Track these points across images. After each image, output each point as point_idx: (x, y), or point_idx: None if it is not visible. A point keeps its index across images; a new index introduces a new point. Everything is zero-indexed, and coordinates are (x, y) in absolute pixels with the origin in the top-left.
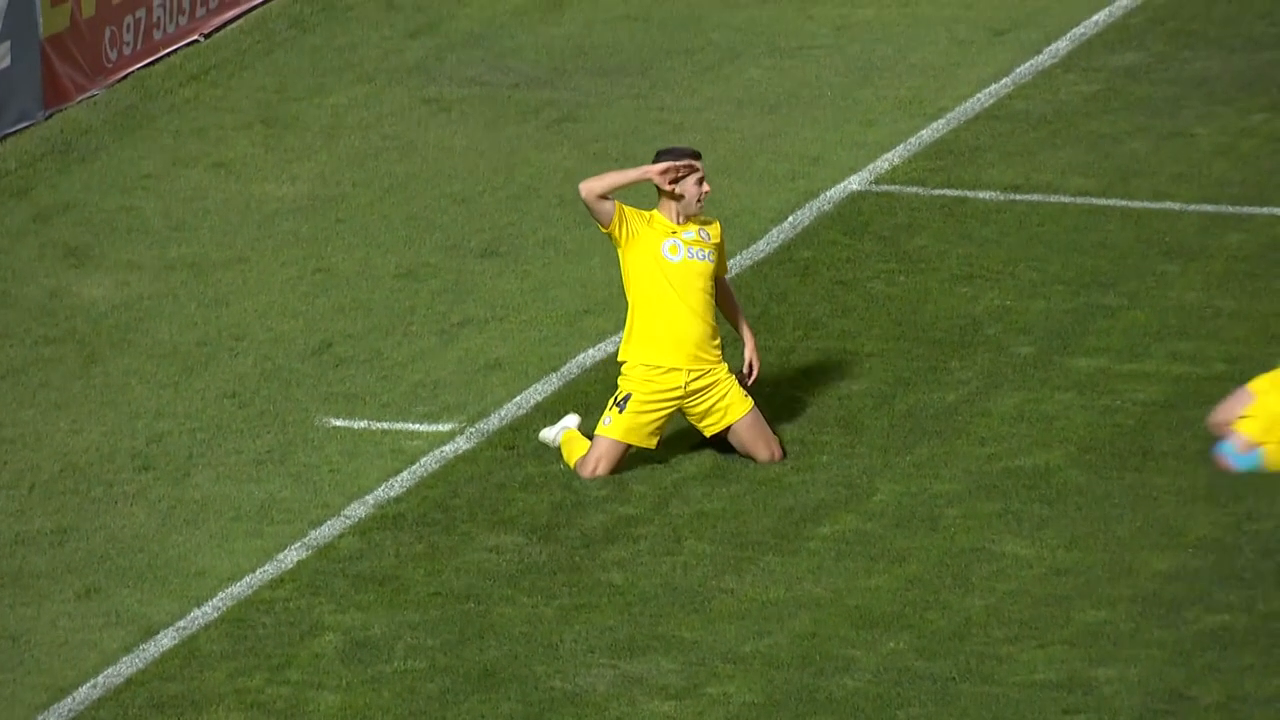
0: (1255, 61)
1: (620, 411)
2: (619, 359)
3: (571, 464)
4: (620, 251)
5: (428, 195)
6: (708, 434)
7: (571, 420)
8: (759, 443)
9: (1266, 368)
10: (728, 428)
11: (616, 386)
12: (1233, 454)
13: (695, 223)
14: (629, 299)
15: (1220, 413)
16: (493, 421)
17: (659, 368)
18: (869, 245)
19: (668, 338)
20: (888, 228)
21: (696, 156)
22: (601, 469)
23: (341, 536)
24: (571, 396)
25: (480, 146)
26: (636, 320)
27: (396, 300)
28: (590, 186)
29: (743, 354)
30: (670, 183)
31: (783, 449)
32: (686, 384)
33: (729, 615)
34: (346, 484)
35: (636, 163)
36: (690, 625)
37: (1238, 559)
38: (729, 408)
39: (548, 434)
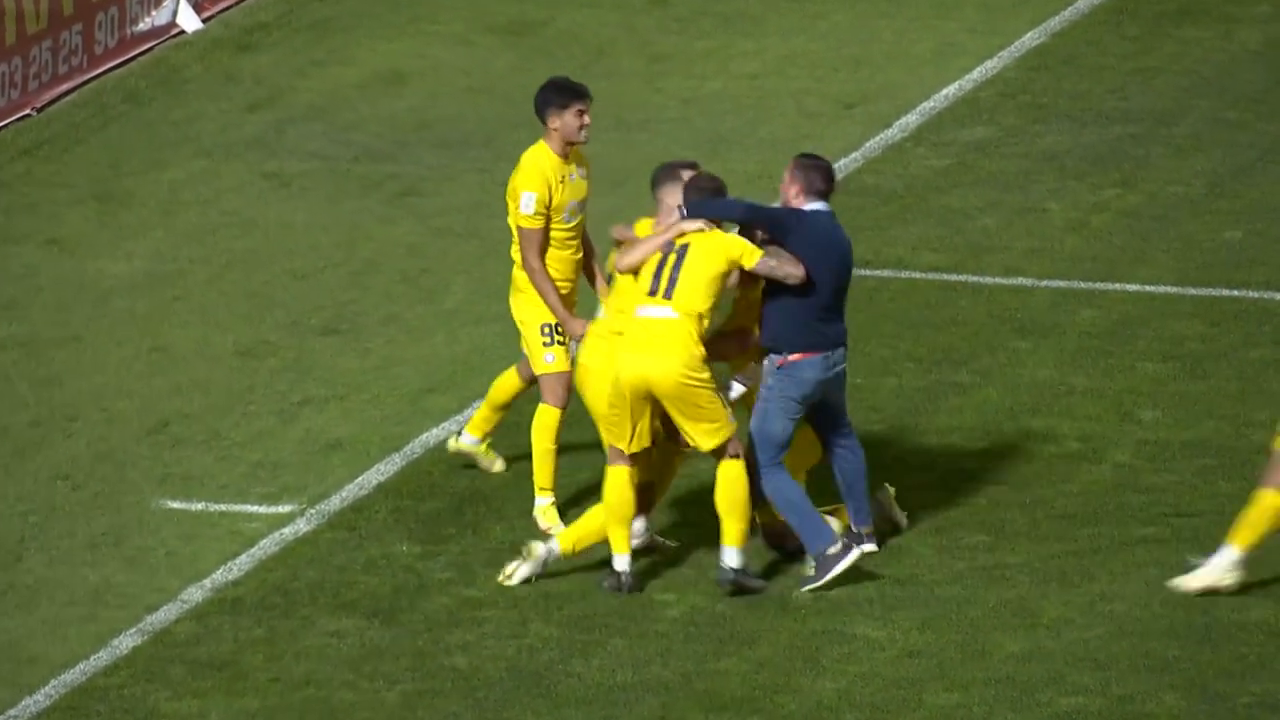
0: (1106, 136)
1: None
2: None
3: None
4: None
5: (267, 272)
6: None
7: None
8: None
9: (1120, 446)
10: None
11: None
12: None
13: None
14: None
15: None
16: (334, 503)
17: None
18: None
19: None
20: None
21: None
22: None
23: (178, 621)
24: (415, 476)
25: (321, 221)
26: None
27: (235, 379)
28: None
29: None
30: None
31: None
32: None
33: (576, 700)
34: (183, 567)
35: (481, 239)
36: (536, 710)
37: (1091, 640)
38: None
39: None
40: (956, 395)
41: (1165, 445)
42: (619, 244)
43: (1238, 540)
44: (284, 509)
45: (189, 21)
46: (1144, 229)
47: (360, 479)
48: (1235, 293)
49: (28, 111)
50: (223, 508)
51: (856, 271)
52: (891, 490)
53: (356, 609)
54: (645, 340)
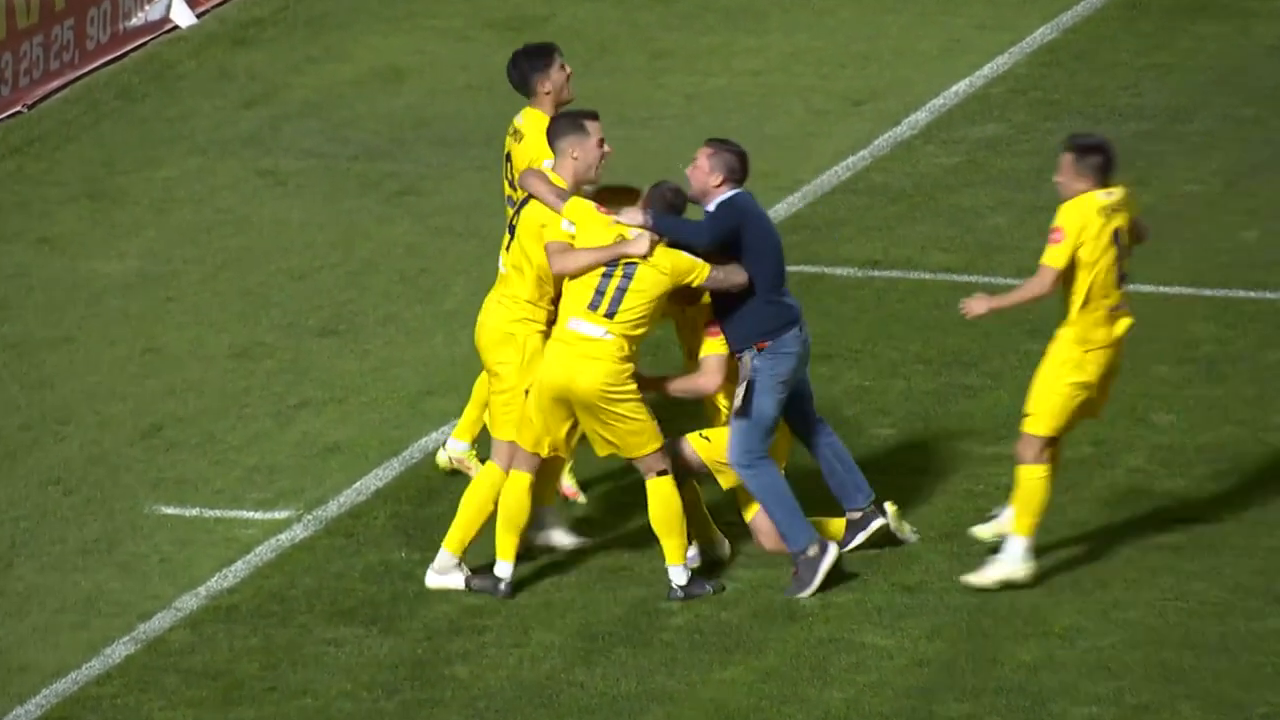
0: (1119, 134)
1: None
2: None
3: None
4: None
5: (263, 271)
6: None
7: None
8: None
9: (1135, 450)
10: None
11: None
12: None
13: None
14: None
15: None
16: (331, 508)
17: None
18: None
19: None
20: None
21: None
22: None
23: (172, 630)
24: (414, 481)
25: (318, 220)
26: None
27: (230, 381)
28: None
29: None
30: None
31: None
32: None
33: (579, 710)
34: (177, 574)
35: (481, 238)
36: None
37: (1105, 649)
38: None
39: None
40: (967, 398)
41: (1180, 450)
42: (530, 195)
43: (1020, 529)
44: (280, 515)
45: (183, 17)
46: (1158, 228)
47: (358, 484)
48: (1252, 294)
49: (18, 108)
50: (218, 513)
51: (865, 272)
52: (894, 509)
53: (354, 617)
54: (572, 354)
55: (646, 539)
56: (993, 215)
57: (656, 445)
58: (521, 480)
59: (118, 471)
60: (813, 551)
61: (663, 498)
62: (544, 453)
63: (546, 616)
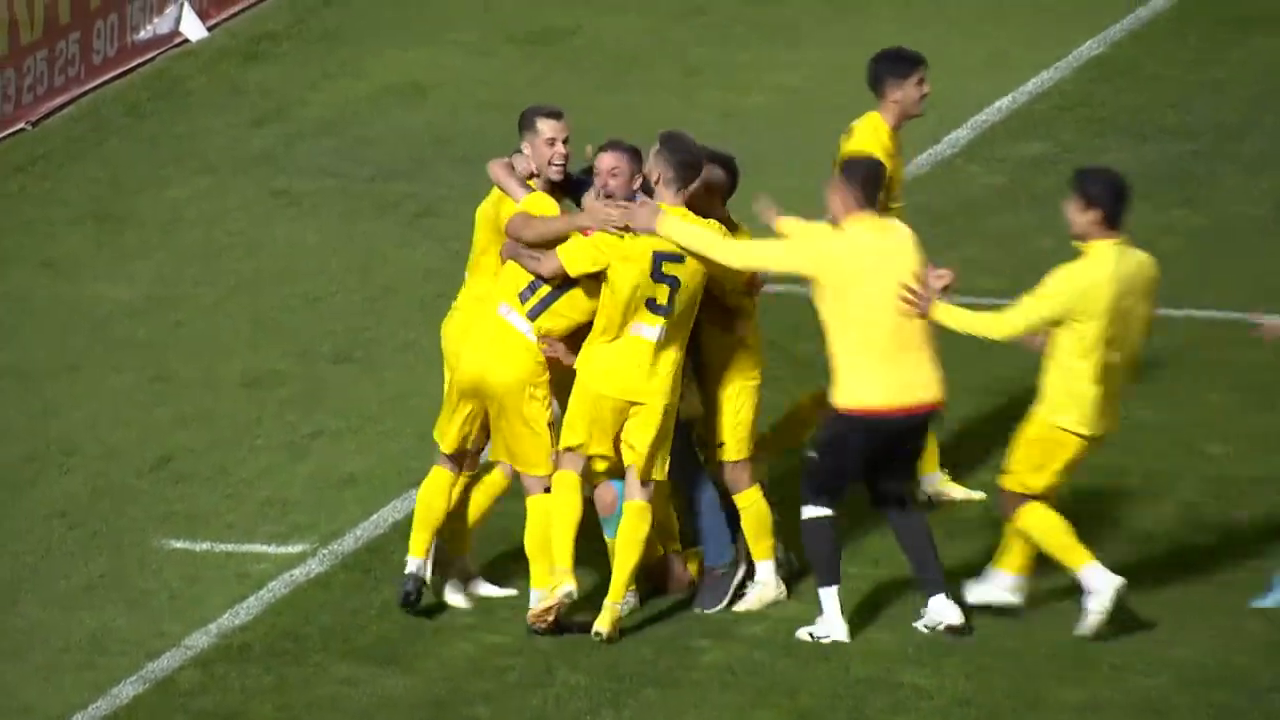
0: (1169, 153)
1: None
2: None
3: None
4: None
5: (276, 296)
6: None
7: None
8: None
9: (1186, 482)
10: None
11: None
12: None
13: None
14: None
15: None
16: (347, 542)
17: None
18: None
19: None
20: (776, 330)
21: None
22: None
23: (181, 669)
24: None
25: (333, 243)
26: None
27: (242, 411)
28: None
29: None
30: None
31: None
32: None
33: None
34: (187, 611)
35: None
36: None
37: (1153, 690)
38: None
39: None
40: (1013, 429)
41: (1234, 481)
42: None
43: (764, 554)
44: (294, 549)
45: (193, 30)
46: (1210, 251)
47: (375, 517)
48: None
49: (22, 126)
50: (229, 548)
51: None
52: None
53: (371, 656)
54: (492, 340)
55: None
56: (1038, 237)
57: (548, 470)
58: (441, 476)
59: (125, 504)
60: (724, 570)
61: (539, 517)
62: (451, 449)
63: (571, 655)
